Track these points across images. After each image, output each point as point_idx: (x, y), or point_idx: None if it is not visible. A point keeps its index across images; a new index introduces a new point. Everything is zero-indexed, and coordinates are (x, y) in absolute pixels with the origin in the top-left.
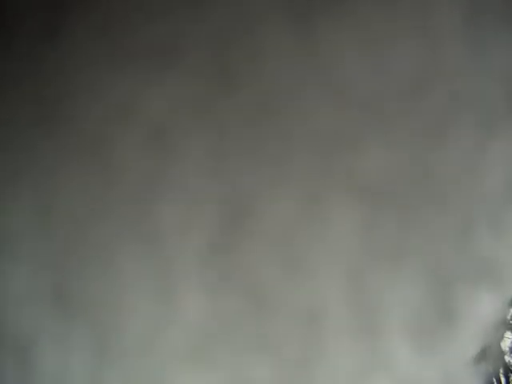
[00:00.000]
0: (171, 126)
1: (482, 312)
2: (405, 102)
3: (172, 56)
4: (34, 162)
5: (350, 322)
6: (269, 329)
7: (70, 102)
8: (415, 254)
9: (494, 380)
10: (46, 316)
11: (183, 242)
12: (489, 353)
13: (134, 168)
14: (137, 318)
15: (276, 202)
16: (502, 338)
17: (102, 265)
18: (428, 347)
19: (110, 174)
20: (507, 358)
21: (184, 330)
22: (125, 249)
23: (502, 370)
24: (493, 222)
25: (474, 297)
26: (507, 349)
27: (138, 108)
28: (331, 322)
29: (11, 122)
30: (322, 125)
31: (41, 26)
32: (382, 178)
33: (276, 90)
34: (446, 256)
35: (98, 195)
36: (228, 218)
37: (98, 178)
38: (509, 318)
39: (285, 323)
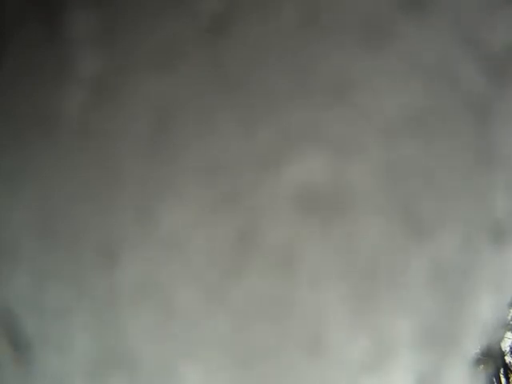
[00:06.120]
0: (172, 125)
1: (482, 312)
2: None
3: (172, 56)
4: (32, 161)
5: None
6: (272, 332)
7: (70, 101)
8: (417, 256)
9: (494, 380)
10: (46, 318)
11: (184, 243)
12: (489, 353)
13: (135, 167)
14: (136, 321)
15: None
16: (502, 338)
17: (103, 268)
18: (428, 347)
19: (111, 174)
20: (507, 359)
21: (185, 333)
22: (126, 252)
23: (502, 370)
24: (494, 225)
25: (474, 297)
26: (507, 349)
27: (138, 107)
28: (335, 326)
29: (10, 122)
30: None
31: (40, 25)
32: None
33: (275, 91)
34: (447, 257)
35: (99, 195)
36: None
37: (99, 178)
38: (509, 318)
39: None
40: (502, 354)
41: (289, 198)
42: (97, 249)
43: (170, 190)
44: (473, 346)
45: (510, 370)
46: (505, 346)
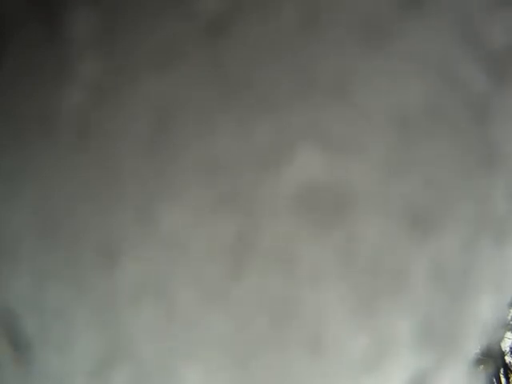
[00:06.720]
0: (172, 125)
1: (482, 312)
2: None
3: (172, 56)
4: (32, 161)
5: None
6: (272, 332)
7: (70, 101)
8: (417, 256)
9: (494, 380)
10: (46, 318)
11: (184, 243)
12: (489, 353)
13: (135, 167)
14: (136, 321)
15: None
16: (502, 338)
17: (103, 268)
18: (428, 347)
19: (111, 174)
20: (507, 359)
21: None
22: (126, 252)
23: (502, 370)
24: (494, 225)
25: (474, 297)
26: (507, 349)
27: (138, 107)
28: (335, 326)
29: (10, 122)
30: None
31: (40, 25)
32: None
33: (275, 91)
34: (447, 257)
35: (99, 195)
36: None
37: (99, 178)
38: (509, 318)
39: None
40: (502, 354)
41: (289, 198)
42: (97, 249)
43: (170, 190)
44: (473, 346)
45: (510, 369)
46: (505, 346)
